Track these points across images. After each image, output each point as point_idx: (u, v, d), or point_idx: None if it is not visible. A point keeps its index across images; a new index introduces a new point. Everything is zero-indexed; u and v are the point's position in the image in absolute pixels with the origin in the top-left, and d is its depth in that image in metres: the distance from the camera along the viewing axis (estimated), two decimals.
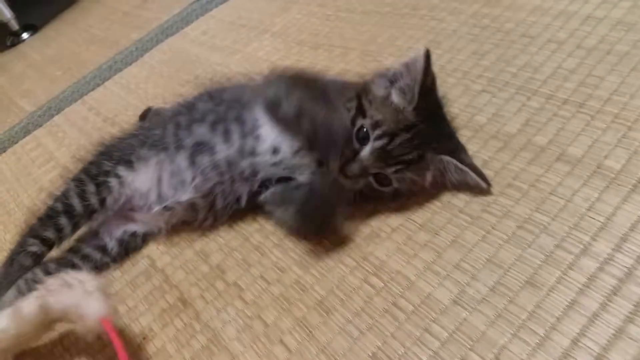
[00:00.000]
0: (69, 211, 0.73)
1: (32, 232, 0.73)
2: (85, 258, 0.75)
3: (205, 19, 1.38)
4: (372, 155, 0.63)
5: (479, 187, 0.65)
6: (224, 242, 0.74)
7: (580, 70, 0.77)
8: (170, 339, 0.65)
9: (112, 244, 0.76)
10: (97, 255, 0.75)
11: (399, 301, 0.59)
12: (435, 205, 0.67)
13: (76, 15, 1.88)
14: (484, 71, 0.83)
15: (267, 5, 1.30)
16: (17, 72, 1.60)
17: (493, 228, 0.62)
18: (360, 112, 0.65)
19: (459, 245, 0.62)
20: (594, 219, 0.59)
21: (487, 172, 0.67)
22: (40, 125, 1.21)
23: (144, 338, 0.66)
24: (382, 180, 0.65)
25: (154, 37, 1.39)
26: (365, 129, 0.64)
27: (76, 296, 0.59)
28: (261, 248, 0.71)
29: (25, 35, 1.87)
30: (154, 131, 0.77)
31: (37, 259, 0.72)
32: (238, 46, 1.19)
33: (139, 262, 0.76)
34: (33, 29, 1.90)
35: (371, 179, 0.65)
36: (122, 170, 0.74)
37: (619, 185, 0.62)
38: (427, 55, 0.64)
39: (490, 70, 0.83)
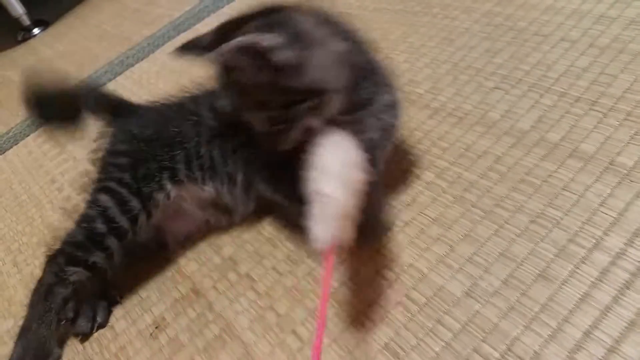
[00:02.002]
0: (114, 229, 0.67)
1: (72, 259, 0.67)
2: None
3: (217, 16, 1.39)
4: None
5: None
6: (236, 234, 0.75)
7: (593, 68, 0.77)
8: (183, 329, 0.65)
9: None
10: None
11: (412, 293, 0.59)
12: (447, 200, 0.67)
13: (87, 12, 1.89)
14: (497, 69, 0.83)
15: None
16: (28, 66, 1.61)
17: (506, 222, 0.62)
18: None
19: (472, 239, 0.62)
20: (606, 214, 0.59)
21: (499, 168, 0.68)
22: None
23: (156, 327, 0.67)
24: None
25: (165, 33, 1.40)
26: None
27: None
28: (273, 240, 0.72)
29: (36, 31, 1.88)
30: None
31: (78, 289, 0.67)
32: None
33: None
34: (44, 24, 1.91)
35: None
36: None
37: (631, 181, 0.62)
38: None
39: (504, 68, 0.83)
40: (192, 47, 0.58)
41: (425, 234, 0.65)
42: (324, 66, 0.55)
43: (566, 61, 0.80)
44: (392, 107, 0.65)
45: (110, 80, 1.29)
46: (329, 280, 0.51)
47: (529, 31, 0.88)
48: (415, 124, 0.79)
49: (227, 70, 0.56)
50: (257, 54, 0.51)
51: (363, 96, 0.62)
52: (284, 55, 0.52)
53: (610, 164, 0.64)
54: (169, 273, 0.73)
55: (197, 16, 1.42)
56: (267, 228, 0.74)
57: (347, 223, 0.52)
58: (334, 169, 0.53)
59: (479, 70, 0.84)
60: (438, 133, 0.76)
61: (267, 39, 0.51)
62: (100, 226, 0.66)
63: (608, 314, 0.51)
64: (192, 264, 0.73)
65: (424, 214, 0.67)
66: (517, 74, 0.81)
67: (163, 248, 0.75)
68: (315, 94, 0.55)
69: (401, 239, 0.65)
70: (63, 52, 1.61)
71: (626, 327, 0.50)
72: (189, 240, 0.76)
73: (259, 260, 0.70)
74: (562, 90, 0.75)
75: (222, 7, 1.41)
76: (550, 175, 0.65)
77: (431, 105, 0.81)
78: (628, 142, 0.66)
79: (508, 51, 0.86)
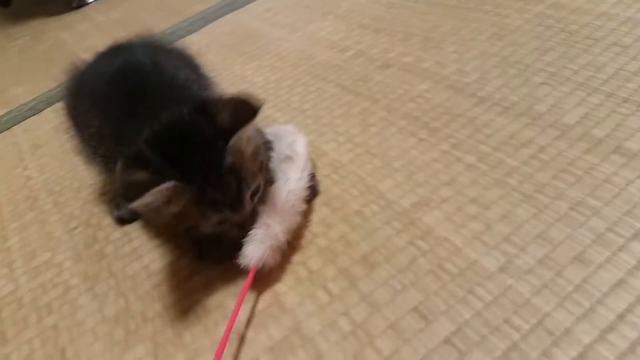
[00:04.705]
0: None
1: None
2: None
3: None
4: None
5: None
6: None
7: None
8: (217, 274, 0.67)
9: None
10: None
11: (444, 264, 0.60)
12: (487, 182, 0.68)
13: None
14: (546, 66, 0.84)
15: None
16: (81, 30, 1.66)
17: (545, 207, 0.63)
18: None
19: (510, 220, 0.63)
20: None
21: (542, 157, 0.69)
22: None
23: (192, 270, 0.68)
24: None
25: (217, 10, 1.43)
26: None
27: None
28: (310, 205, 0.73)
29: None
30: None
31: None
32: (300, 24, 1.22)
33: None
34: None
35: None
36: None
37: None
38: None
39: (552, 66, 0.83)
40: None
41: (462, 212, 0.65)
42: None
43: (616, 64, 0.80)
44: None
45: None
46: (244, 294, 0.60)
47: (580, 34, 0.89)
48: (459, 110, 0.80)
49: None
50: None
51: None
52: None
53: None
54: None
55: None
56: None
57: (276, 252, 0.64)
58: (280, 203, 0.66)
59: (528, 65, 0.85)
60: (482, 120, 0.77)
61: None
62: None
63: None
64: None
65: (463, 193, 0.67)
66: (565, 72, 0.81)
67: None
68: None
69: (437, 214, 0.66)
70: (116, 20, 1.66)
71: None
72: None
73: None
74: (610, 91, 0.76)
75: None
76: (592, 168, 0.65)
77: (477, 94, 0.82)
78: None
79: (558, 51, 0.86)
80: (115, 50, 0.78)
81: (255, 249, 0.62)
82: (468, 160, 0.72)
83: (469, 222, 0.64)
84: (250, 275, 0.61)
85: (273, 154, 0.74)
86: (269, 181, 0.69)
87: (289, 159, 0.72)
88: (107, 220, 0.81)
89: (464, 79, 0.86)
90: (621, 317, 0.50)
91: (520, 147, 0.71)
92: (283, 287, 0.63)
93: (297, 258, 0.66)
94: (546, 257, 0.57)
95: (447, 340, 0.53)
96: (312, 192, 0.72)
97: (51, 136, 1.10)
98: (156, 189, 0.53)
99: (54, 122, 1.15)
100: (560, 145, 0.70)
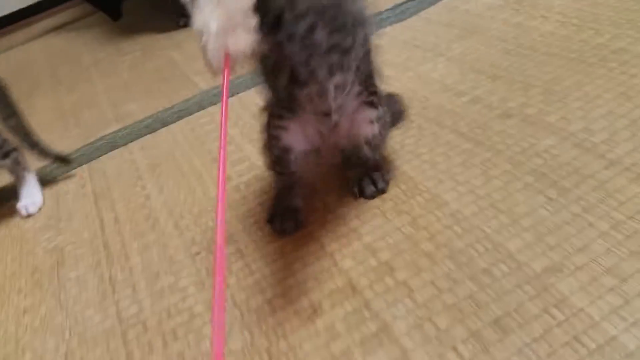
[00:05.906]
0: None
1: None
2: None
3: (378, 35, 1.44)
4: None
5: None
6: (393, 243, 0.77)
7: None
8: (339, 319, 0.68)
9: None
10: None
11: (582, 337, 0.59)
12: (623, 252, 0.66)
13: None
14: None
15: (444, 31, 1.33)
16: (190, 50, 1.73)
17: None
18: None
19: None
20: None
21: None
22: (214, 104, 1.31)
23: (314, 311, 0.70)
24: None
25: None
26: None
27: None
28: (432, 256, 0.73)
29: None
30: None
31: None
32: (411, 64, 1.23)
33: (309, 243, 0.81)
34: None
35: None
36: None
37: None
38: None
39: None
40: None
41: (598, 282, 0.64)
42: None
43: None
44: None
45: None
46: (226, 98, 0.57)
47: None
48: (589, 171, 0.79)
49: None
50: None
51: None
52: None
53: None
54: (325, 264, 0.77)
55: None
56: (426, 243, 0.76)
57: (238, 32, 0.56)
58: None
59: None
60: (614, 185, 0.75)
61: None
62: None
63: None
64: (347, 261, 0.76)
65: (597, 262, 0.66)
66: None
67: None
68: None
69: (572, 282, 0.65)
70: None
71: None
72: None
73: (417, 272, 0.72)
74: None
75: (384, 28, 1.46)
76: None
77: (607, 156, 0.80)
78: None
79: None
80: None
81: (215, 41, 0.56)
82: (601, 226, 0.70)
83: (605, 294, 0.62)
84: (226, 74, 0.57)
85: None
86: None
87: None
88: (229, 249, 0.84)
89: (592, 138, 0.84)
90: None
91: None
92: (410, 343, 0.63)
93: (421, 312, 0.66)
94: None
95: None
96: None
97: (168, 157, 1.16)
98: None
99: (170, 143, 1.21)
100: None
